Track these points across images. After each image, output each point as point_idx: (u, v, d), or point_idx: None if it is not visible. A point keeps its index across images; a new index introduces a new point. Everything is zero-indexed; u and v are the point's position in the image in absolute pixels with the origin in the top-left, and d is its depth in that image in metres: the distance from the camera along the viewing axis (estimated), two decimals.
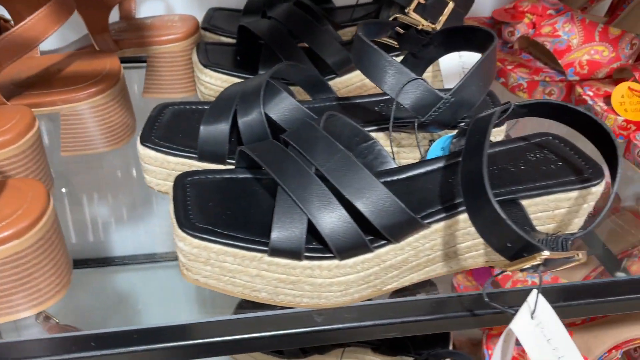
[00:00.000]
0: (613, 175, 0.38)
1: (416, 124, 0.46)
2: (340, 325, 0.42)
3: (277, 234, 0.40)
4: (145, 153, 0.50)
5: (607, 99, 0.64)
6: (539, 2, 0.77)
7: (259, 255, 0.40)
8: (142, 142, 0.50)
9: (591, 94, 0.66)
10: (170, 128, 0.52)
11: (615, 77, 0.70)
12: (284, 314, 0.43)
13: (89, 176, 0.71)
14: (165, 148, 0.49)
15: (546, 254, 0.34)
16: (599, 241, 0.53)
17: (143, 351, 0.41)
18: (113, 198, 0.69)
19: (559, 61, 0.70)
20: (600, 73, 0.70)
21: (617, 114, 0.62)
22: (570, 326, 0.86)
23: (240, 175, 0.46)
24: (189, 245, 0.40)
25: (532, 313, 0.39)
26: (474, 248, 0.45)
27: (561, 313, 0.45)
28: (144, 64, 0.70)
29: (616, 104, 0.62)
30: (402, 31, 0.54)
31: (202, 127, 0.48)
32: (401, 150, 0.53)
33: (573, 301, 0.45)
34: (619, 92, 0.62)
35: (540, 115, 0.43)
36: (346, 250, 0.40)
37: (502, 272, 0.38)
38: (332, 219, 0.40)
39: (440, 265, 0.45)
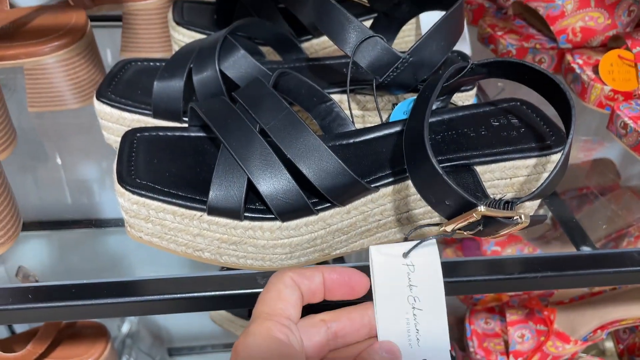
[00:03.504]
0: (567, 135, 0.36)
1: (374, 84, 0.44)
2: None
3: (216, 193, 0.39)
4: (101, 109, 0.49)
5: (596, 67, 0.61)
6: None
7: (198, 213, 0.39)
8: (98, 97, 0.49)
9: (580, 62, 0.63)
10: (130, 84, 0.51)
11: (610, 46, 0.66)
12: (227, 275, 0.42)
13: (79, 137, 0.71)
14: (121, 104, 0.48)
15: (481, 209, 0.32)
16: (570, 214, 0.50)
17: (78, 306, 0.40)
18: (106, 160, 0.68)
19: (551, 27, 0.67)
20: (595, 41, 0.67)
21: (604, 83, 0.59)
22: (558, 305, 0.84)
23: (192, 134, 0.45)
24: (128, 201, 0.40)
25: (406, 253, 0.34)
26: (427, 215, 0.43)
27: (517, 285, 0.44)
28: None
29: (604, 72, 0.59)
30: None
31: (155, 83, 0.47)
32: (366, 114, 0.51)
33: (531, 273, 0.43)
34: (608, 60, 0.59)
35: (502, 75, 0.41)
36: (287, 211, 0.39)
37: (443, 235, 0.36)
38: (272, 179, 0.38)
39: (393, 231, 0.44)
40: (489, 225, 0.33)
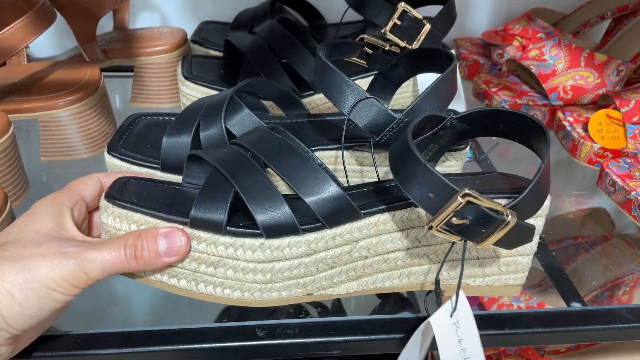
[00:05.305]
0: (542, 160, 0.37)
1: (371, 142, 0.47)
2: (281, 341, 0.43)
3: (200, 204, 0.39)
4: (111, 162, 0.51)
5: (586, 125, 0.64)
6: (529, 26, 0.77)
7: (179, 226, 0.40)
8: (109, 151, 0.51)
9: (571, 119, 0.66)
10: (139, 138, 0.53)
11: (600, 104, 0.69)
12: (227, 327, 0.44)
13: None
14: (130, 158, 0.51)
15: (465, 190, 0.32)
16: (560, 269, 0.52)
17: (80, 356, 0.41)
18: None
19: (543, 85, 0.70)
20: (585, 99, 0.70)
21: (593, 141, 0.61)
22: (554, 354, 0.84)
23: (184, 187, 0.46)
24: (110, 215, 0.40)
25: (452, 312, 0.40)
26: (409, 260, 0.44)
27: (508, 340, 0.45)
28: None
29: (593, 130, 0.61)
30: (370, 51, 0.54)
31: (164, 139, 0.49)
32: (364, 169, 0.54)
33: (521, 329, 0.44)
34: (597, 119, 0.62)
35: (483, 127, 0.43)
36: (272, 224, 0.39)
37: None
38: (259, 191, 0.40)
39: (381, 277, 0.44)
40: (476, 222, 0.34)
